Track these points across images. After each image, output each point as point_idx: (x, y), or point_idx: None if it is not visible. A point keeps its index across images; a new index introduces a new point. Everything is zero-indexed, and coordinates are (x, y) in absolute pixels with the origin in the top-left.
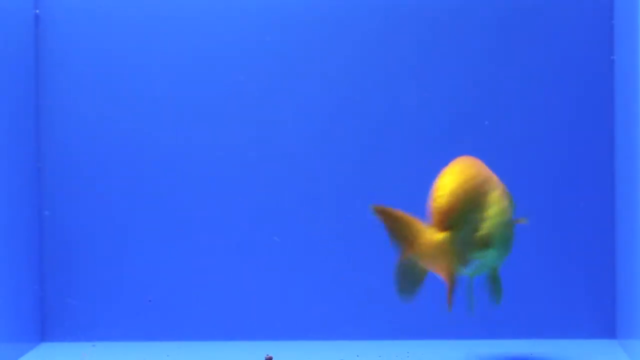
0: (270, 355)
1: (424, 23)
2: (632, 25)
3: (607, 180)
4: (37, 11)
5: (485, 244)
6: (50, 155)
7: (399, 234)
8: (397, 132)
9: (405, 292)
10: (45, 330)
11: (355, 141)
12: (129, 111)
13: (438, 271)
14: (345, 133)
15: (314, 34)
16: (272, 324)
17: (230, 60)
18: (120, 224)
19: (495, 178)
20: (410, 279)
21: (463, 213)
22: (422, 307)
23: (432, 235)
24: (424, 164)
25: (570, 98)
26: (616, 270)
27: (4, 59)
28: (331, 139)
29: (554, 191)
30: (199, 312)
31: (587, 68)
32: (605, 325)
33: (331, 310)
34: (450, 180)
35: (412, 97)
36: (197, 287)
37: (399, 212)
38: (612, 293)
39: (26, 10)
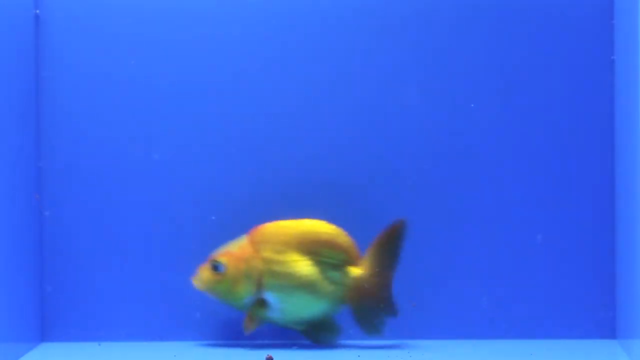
0: (270, 355)
1: (424, 24)
2: (632, 25)
3: (607, 180)
4: (37, 11)
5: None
6: (50, 155)
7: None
8: (396, 133)
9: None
10: (45, 330)
11: (355, 140)
12: (129, 111)
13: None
14: (344, 132)
15: (314, 33)
16: (273, 324)
17: (231, 61)
18: (121, 223)
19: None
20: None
21: None
22: (422, 308)
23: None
24: (424, 163)
25: (570, 98)
26: (616, 270)
27: (4, 59)
28: (330, 138)
29: (554, 191)
30: (200, 312)
31: (587, 68)
32: (605, 325)
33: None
34: None
35: (413, 98)
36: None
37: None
38: (612, 293)
39: (26, 10)
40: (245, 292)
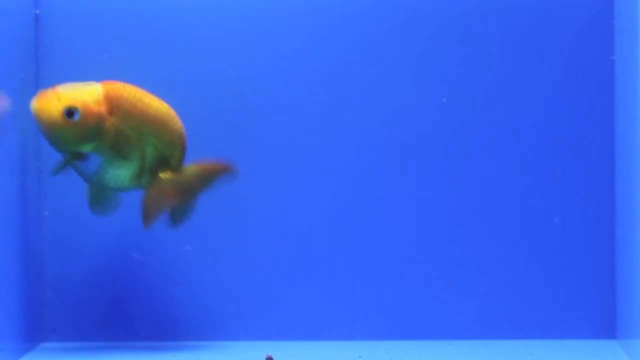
0: (270, 355)
1: (424, 24)
2: (632, 25)
3: (607, 180)
4: (37, 11)
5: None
6: (50, 156)
7: None
8: (398, 134)
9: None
10: (45, 330)
11: (353, 141)
12: None
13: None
14: (343, 133)
15: (315, 33)
16: (277, 324)
17: (231, 61)
18: (120, 223)
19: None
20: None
21: None
22: (422, 307)
23: None
24: (425, 164)
25: (570, 98)
26: (616, 270)
27: (4, 59)
28: (328, 139)
29: (554, 191)
30: (200, 312)
31: (587, 68)
32: (605, 325)
33: (333, 310)
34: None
35: (413, 97)
36: (198, 287)
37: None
38: (612, 293)
39: (26, 10)
40: (80, 145)
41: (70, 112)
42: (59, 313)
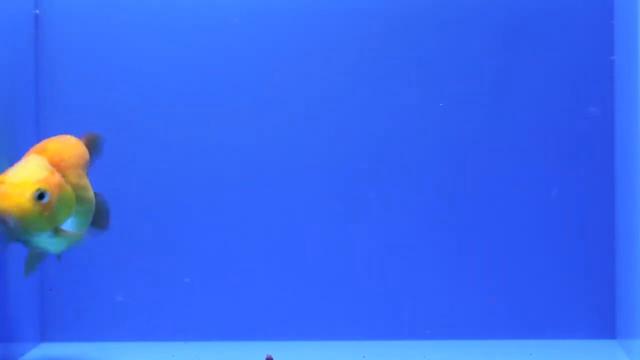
0: (270, 355)
1: (425, 24)
2: (632, 25)
3: (607, 180)
4: (37, 11)
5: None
6: None
7: None
8: (400, 135)
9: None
10: (45, 330)
11: (355, 142)
12: (128, 111)
13: None
14: (344, 135)
15: (316, 34)
16: (277, 324)
17: (230, 61)
18: (120, 223)
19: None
20: None
21: None
22: (423, 307)
23: None
24: (426, 164)
25: (570, 98)
26: (616, 270)
27: (4, 59)
28: (331, 140)
29: (553, 191)
30: (200, 312)
31: (587, 68)
32: (605, 325)
33: (334, 310)
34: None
35: (414, 98)
36: (198, 287)
37: None
38: (612, 293)
39: (26, 10)
40: (61, 220)
41: (41, 195)
42: (59, 313)
